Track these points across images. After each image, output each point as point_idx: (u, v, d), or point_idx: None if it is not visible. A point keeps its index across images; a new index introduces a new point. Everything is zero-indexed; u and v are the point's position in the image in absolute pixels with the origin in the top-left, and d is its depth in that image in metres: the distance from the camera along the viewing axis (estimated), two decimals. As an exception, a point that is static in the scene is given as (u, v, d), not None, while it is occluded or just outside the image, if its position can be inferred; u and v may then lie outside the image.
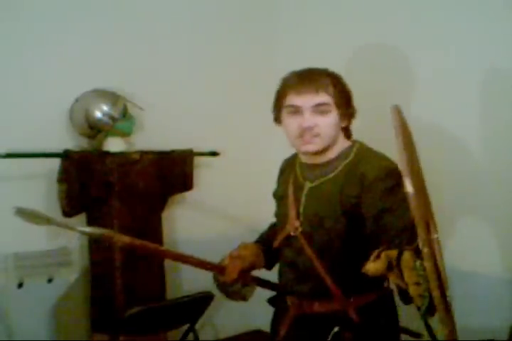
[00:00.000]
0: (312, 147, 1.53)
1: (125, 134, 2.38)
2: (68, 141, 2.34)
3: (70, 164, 2.23)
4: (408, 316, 1.59)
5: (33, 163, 2.23)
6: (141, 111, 2.41)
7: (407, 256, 1.20)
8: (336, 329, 1.48)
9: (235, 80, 2.74)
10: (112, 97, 2.32)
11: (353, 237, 1.50)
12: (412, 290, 1.18)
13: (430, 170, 1.42)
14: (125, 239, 1.47)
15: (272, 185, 1.80)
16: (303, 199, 1.59)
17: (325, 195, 1.54)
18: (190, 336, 2.25)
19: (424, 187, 1.30)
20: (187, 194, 2.62)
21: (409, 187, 1.06)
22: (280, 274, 1.69)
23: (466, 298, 1.88)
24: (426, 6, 2.20)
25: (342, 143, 1.60)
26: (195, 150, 2.58)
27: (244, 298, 1.66)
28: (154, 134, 2.50)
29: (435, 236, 1.22)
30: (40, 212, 1.51)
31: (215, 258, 1.66)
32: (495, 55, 1.99)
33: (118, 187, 2.31)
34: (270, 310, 1.76)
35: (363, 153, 1.56)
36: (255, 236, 1.84)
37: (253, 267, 1.65)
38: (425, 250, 1.07)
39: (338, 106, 1.53)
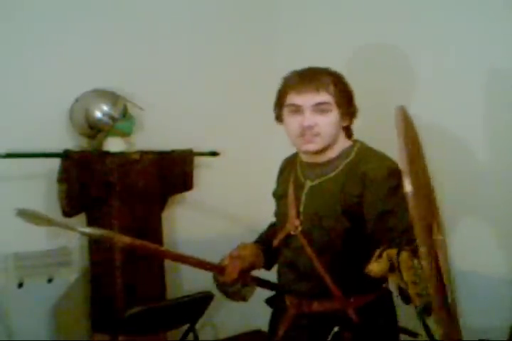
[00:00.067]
0: (313, 146, 1.54)
1: (125, 134, 2.38)
2: (68, 141, 2.34)
3: (70, 164, 2.23)
4: (407, 316, 1.59)
5: (33, 163, 2.23)
6: (141, 111, 2.41)
7: (404, 255, 1.21)
8: (335, 329, 1.49)
9: (235, 80, 2.74)
10: (112, 97, 2.32)
11: (353, 237, 1.50)
12: (410, 289, 1.19)
13: (430, 170, 1.42)
14: (125, 239, 1.47)
15: (272, 184, 1.80)
16: (303, 198, 1.59)
17: (325, 194, 1.54)
18: (190, 336, 2.25)
19: (428, 187, 1.29)
20: (187, 194, 2.62)
21: (408, 186, 1.06)
22: (279, 274, 1.69)
23: (466, 298, 1.88)
24: (426, 5, 2.20)
25: (343, 143, 1.60)
26: (195, 150, 2.58)
27: (244, 298, 1.66)
28: (154, 134, 2.50)
29: (439, 237, 1.21)
30: (41, 213, 1.52)
31: (215, 258, 1.66)
32: (495, 54, 1.99)
33: (118, 187, 2.31)
34: (270, 310, 1.76)
35: (364, 152, 1.56)
36: (255, 236, 1.84)
37: (253, 267, 1.65)
38: (422, 249, 1.07)
39: (339, 105, 1.53)
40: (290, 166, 1.71)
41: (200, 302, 2.18)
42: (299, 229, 1.57)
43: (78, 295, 2.38)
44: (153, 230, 2.41)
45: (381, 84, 2.31)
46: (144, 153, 2.41)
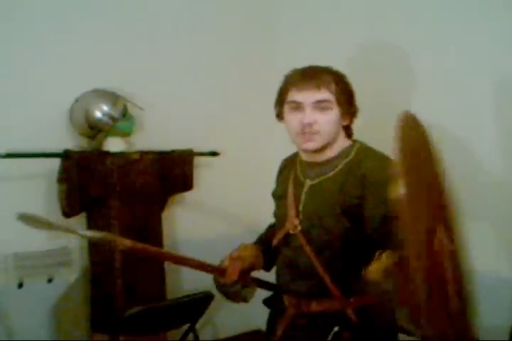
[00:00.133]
0: (312, 144, 1.54)
1: (125, 134, 2.38)
2: (68, 141, 2.34)
3: (70, 164, 2.23)
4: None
5: (33, 163, 2.24)
6: (141, 111, 2.41)
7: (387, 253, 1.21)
8: (335, 329, 1.48)
9: (234, 80, 2.75)
10: (112, 97, 2.32)
11: (352, 236, 1.49)
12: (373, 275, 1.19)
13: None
14: (126, 242, 1.46)
15: (271, 184, 1.80)
16: (303, 197, 1.59)
17: (325, 194, 1.54)
18: (190, 336, 2.25)
19: (433, 191, 1.26)
20: (187, 194, 2.62)
21: (401, 189, 1.06)
22: (278, 274, 1.69)
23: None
24: (426, 5, 2.20)
25: (342, 142, 1.60)
26: (195, 150, 2.58)
27: (244, 300, 1.66)
28: (154, 134, 2.50)
29: (449, 246, 1.19)
30: (42, 217, 1.51)
31: (215, 258, 1.66)
32: (495, 54, 1.99)
33: (118, 187, 2.31)
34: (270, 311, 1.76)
35: (364, 152, 1.56)
36: (255, 236, 1.84)
37: (253, 268, 1.65)
38: (408, 252, 1.07)
39: (340, 103, 1.53)
40: (290, 166, 1.71)
41: (200, 302, 2.18)
42: (298, 228, 1.57)
43: (78, 295, 2.38)
44: (153, 230, 2.42)
45: (381, 84, 2.31)
46: (143, 153, 2.41)
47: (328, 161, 1.58)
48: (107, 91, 2.33)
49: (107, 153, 2.33)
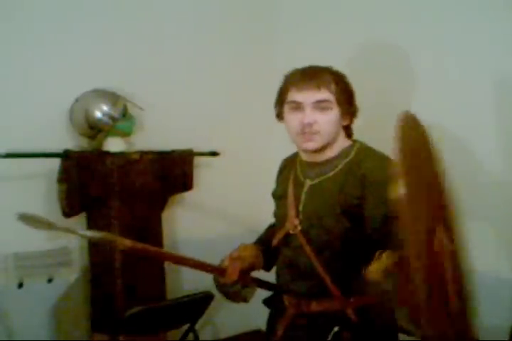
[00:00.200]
0: (312, 144, 1.54)
1: (125, 134, 2.38)
2: (68, 141, 2.34)
3: (70, 164, 2.23)
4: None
5: (33, 163, 2.23)
6: (141, 111, 2.41)
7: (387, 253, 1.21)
8: (335, 329, 1.48)
9: (235, 80, 2.75)
10: (112, 97, 2.32)
11: (352, 236, 1.49)
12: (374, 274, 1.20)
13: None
14: (127, 242, 1.46)
15: (271, 184, 1.80)
16: (303, 197, 1.59)
17: (325, 194, 1.54)
18: (190, 336, 2.25)
19: (433, 191, 1.26)
20: (187, 194, 2.62)
21: (401, 189, 1.06)
22: (278, 274, 1.69)
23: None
24: (426, 5, 2.20)
25: (342, 142, 1.60)
26: (195, 150, 2.58)
27: (244, 300, 1.66)
28: (154, 134, 2.50)
29: (449, 246, 1.19)
30: (42, 217, 1.51)
31: (215, 258, 1.66)
32: (495, 54, 1.99)
33: (118, 187, 2.31)
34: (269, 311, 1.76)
35: (364, 152, 1.56)
36: (255, 236, 1.84)
37: (253, 268, 1.65)
38: (406, 252, 1.07)
39: (340, 103, 1.53)
40: (290, 166, 1.71)
41: (200, 302, 2.18)
42: (298, 228, 1.57)
43: (78, 295, 2.38)
44: (153, 230, 2.42)
45: (381, 84, 2.31)
46: (143, 153, 2.41)
47: (328, 161, 1.58)
48: (107, 91, 2.33)
49: (107, 153, 2.33)
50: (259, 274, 1.71)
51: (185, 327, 2.24)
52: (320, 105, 1.51)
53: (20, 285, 2.16)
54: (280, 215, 1.67)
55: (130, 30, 2.46)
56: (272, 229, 1.76)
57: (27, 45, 2.24)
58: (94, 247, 2.31)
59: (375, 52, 2.38)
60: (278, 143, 1.95)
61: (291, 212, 1.59)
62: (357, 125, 1.66)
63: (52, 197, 2.26)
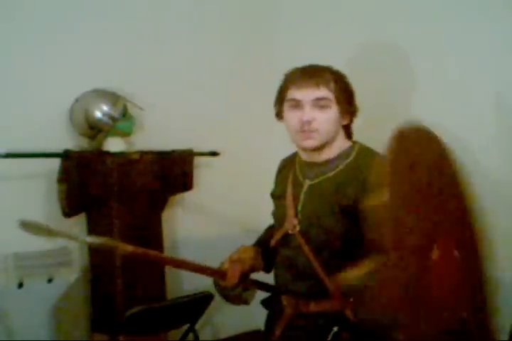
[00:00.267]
0: (311, 142, 1.54)
1: (125, 134, 2.39)
2: (68, 141, 2.34)
3: (70, 164, 2.23)
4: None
5: (33, 163, 2.23)
6: (141, 111, 2.41)
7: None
8: (335, 329, 1.48)
9: (235, 80, 2.75)
10: (112, 97, 2.32)
11: (351, 236, 1.49)
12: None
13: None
14: (128, 247, 1.46)
15: (272, 185, 1.80)
16: (302, 197, 1.59)
17: (324, 194, 1.54)
18: (190, 336, 2.25)
19: (436, 202, 1.24)
20: (187, 194, 2.62)
21: (384, 198, 1.06)
22: (276, 274, 1.68)
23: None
24: (426, 5, 2.20)
25: (342, 142, 1.60)
26: (195, 150, 2.58)
27: (245, 302, 1.65)
28: (154, 134, 2.50)
29: (433, 254, 1.19)
30: (42, 224, 1.51)
31: (215, 258, 1.66)
32: (495, 54, 1.99)
33: (118, 187, 2.31)
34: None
35: (365, 153, 1.56)
36: (255, 237, 1.84)
37: (253, 270, 1.65)
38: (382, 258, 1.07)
39: (339, 102, 1.53)
40: (289, 166, 1.71)
41: (200, 302, 2.18)
42: (297, 228, 1.57)
43: (78, 295, 2.38)
44: (153, 230, 2.42)
45: (381, 84, 2.31)
46: (143, 153, 2.41)
47: (328, 161, 1.58)
48: (107, 91, 2.33)
49: (107, 153, 2.33)
50: (258, 275, 1.71)
51: (185, 327, 2.24)
52: (319, 103, 1.52)
53: (20, 285, 2.16)
54: (279, 215, 1.67)
55: (130, 30, 2.46)
56: (271, 230, 1.76)
57: (27, 45, 2.23)
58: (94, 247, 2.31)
59: (375, 52, 2.38)
60: (278, 143, 1.94)
61: (290, 212, 1.59)
62: (357, 125, 1.67)
63: (52, 197, 2.26)
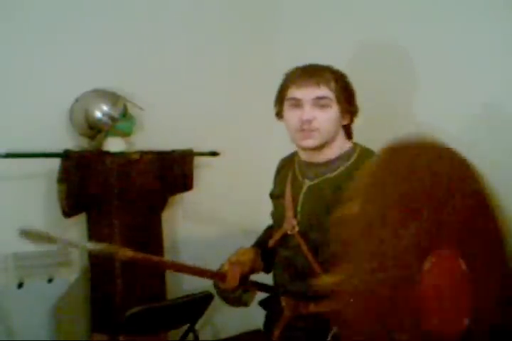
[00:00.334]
0: (312, 142, 1.53)
1: (125, 134, 2.38)
2: (68, 141, 2.34)
3: (70, 164, 2.23)
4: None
5: (33, 163, 2.23)
6: (141, 111, 2.41)
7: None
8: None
9: (235, 80, 2.74)
10: (112, 97, 2.32)
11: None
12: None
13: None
14: (128, 253, 1.45)
15: (271, 185, 1.80)
16: (301, 197, 1.59)
17: (323, 195, 1.54)
18: (190, 336, 2.25)
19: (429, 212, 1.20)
20: (187, 194, 2.62)
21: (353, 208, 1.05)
22: (275, 274, 1.68)
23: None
24: (427, 4, 2.20)
25: (342, 143, 1.60)
26: (195, 150, 2.58)
27: (245, 304, 1.64)
28: (154, 134, 2.50)
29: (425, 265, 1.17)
30: (43, 231, 1.51)
31: (215, 258, 1.66)
32: (495, 54, 1.99)
33: (118, 187, 2.31)
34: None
35: (366, 155, 1.55)
36: (255, 237, 1.84)
37: (252, 272, 1.64)
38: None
39: (339, 101, 1.53)
40: (288, 166, 1.71)
41: (200, 302, 2.18)
42: (296, 229, 1.57)
43: (78, 295, 2.38)
44: (153, 230, 2.42)
45: (382, 84, 2.31)
46: (143, 153, 2.40)
47: (328, 162, 1.57)
48: (107, 91, 2.33)
49: (107, 153, 2.33)
50: (258, 275, 1.71)
51: (185, 327, 2.24)
52: (319, 102, 1.51)
53: (20, 285, 2.16)
54: (278, 216, 1.67)
55: (130, 30, 2.45)
56: (270, 230, 1.76)
57: (27, 45, 2.23)
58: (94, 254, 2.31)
59: (376, 52, 2.38)
60: (278, 143, 1.95)
61: (289, 213, 1.59)
62: (357, 125, 1.66)
63: (52, 197, 2.26)
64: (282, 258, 1.64)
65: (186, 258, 2.61)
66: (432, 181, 1.20)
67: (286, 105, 1.58)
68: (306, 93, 1.52)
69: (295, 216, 1.58)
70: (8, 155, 2.14)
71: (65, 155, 2.23)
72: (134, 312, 2.01)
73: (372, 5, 2.40)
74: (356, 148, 1.59)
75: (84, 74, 2.33)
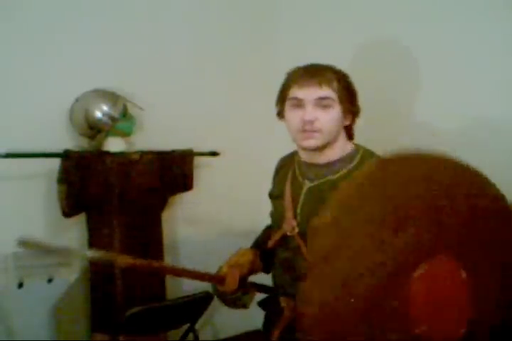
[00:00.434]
0: (314, 142, 1.52)
1: (125, 134, 2.38)
2: (68, 141, 2.34)
3: (70, 164, 2.23)
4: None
5: (33, 163, 2.23)
6: (141, 111, 2.41)
7: None
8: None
9: (235, 80, 2.74)
10: (112, 97, 2.32)
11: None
12: None
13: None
14: (128, 260, 1.45)
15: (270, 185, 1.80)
16: (301, 198, 1.58)
17: (324, 196, 1.52)
18: (190, 336, 2.25)
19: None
20: (186, 194, 2.62)
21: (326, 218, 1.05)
22: (274, 275, 1.68)
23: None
24: (427, 4, 2.20)
25: (344, 144, 1.59)
26: (195, 150, 2.58)
27: (244, 306, 1.64)
28: (154, 134, 2.50)
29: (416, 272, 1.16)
30: (41, 241, 1.51)
31: (214, 258, 1.66)
32: (495, 54, 1.99)
33: (118, 187, 2.31)
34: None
35: (369, 158, 1.54)
36: (255, 237, 1.84)
37: (251, 273, 1.64)
38: None
39: (341, 102, 1.52)
40: (287, 166, 1.70)
41: (200, 302, 2.18)
42: (296, 230, 1.56)
43: (78, 295, 2.37)
44: (153, 230, 2.42)
45: (382, 84, 2.31)
46: (143, 153, 2.40)
47: (330, 163, 1.56)
48: (107, 91, 2.33)
49: (107, 153, 2.33)
50: (257, 275, 1.70)
51: (185, 327, 2.24)
52: (321, 102, 1.50)
53: (20, 285, 2.16)
54: (277, 216, 1.66)
55: (130, 30, 2.45)
56: (269, 231, 1.75)
57: (27, 45, 2.23)
58: (94, 247, 2.31)
59: (376, 52, 2.38)
60: (278, 143, 1.94)
61: (289, 214, 1.58)
62: (358, 125, 1.66)
63: (52, 197, 2.26)
64: (282, 260, 1.63)
65: (186, 258, 2.62)
66: (430, 190, 1.19)
67: (288, 105, 1.56)
68: (308, 93, 1.50)
69: (295, 217, 1.57)
70: (8, 155, 2.14)
71: (65, 155, 2.23)
72: (134, 312, 2.01)
73: (372, 5, 2.40)
74: (359, 150, 1.58)
75: (84, 74, 2.33)
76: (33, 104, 2.25)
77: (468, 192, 1.24)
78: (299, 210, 1.58)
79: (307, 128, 1.51)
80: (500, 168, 2.03)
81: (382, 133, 2.10)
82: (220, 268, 1.60)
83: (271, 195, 1.75)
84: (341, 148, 1.58)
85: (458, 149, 2.14)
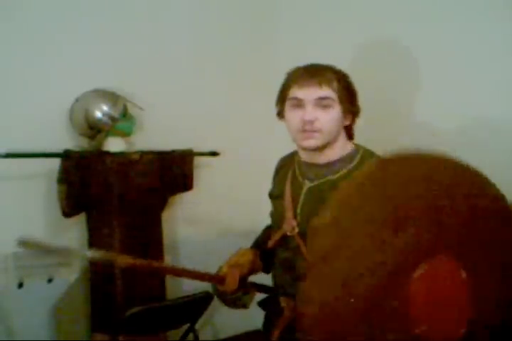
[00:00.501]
0: (314, 142, 1.52)
1: (125, 134, 2.38)
2: (68, 141, 2.34)
3: (70, 164, 2.23)
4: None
5: (33, 163, 2.23)
6: (141, 111, 2.41)
7: None
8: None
9: (235, 80, 2.74)
10: (112, 97, 2.32)
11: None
12: None
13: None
14: (128, 260, 1.45)
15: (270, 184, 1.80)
16: (301, 198, 1.58)
17: (324, 196, 1.52)
18: (190, 336, 2.25)
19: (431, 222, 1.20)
20: (186, 194, 2.62)
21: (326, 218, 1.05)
22: (275, 275, 1.68)
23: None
24: (428, 4, 2.20)
25: (344, 144, 1.58)
26: (195, 150, 2.58)
27: (244, 306, 1.64)
28: (154, 134, 2.50)
29: (416, 272, 1.17)
30: (41, 241, 1.51)
31: (214, 258, 1.66)
32: (495, 54, 1.99)
33: (118, 187, 2.31)
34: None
35: (369, 158, 1.54)
36: (255, 237, 1.83)
37: (251, 273, 1.64)
38: None
39: (342, 102, 1.52)
40: (287, 166, 1.70)
41: (200, 302, 2.18)
42: (296, 230, 1.56)
43: (78, 295, 2.37)
44: (153, 230, 2.41)
45: (383, 84, 2.31)
46: (144, 153, 2.40)
47: (330, 164, 1.56)
48: (107, 91, 2.33)
49: (107, 153, 2.33)
50: (257, 276, 1.70)
51: (185, 327, 2.24)
52: (321, 102, 1.50)
53: (20, 285, 2.16)
54: (277, 216, 1.66)
55: (130, 30, 2.45)
56: (269, 230, 1.75)
57: (27, 45, 2.23)
58: (94, 247, 2.31)
59: (376, 52, 2.38)
60: (278, 143, 1.94)
61: (289, 214, 1.58)
62: (357, 125, 1.66)
63: (52, 197, 2.26)
64: (282, 260, 1.63)
65: (186, 258, 2.62)
66: (430, 190, 1.19)
67: (288, 105, 1.56)
68: (308, 93, 1.50)
69: (295, 217, 1.57)
70: (8, 155, 2.14)
71: (65, 155, 2.23)
72: (134, 312, 2.01)
73: (372, 5, 2.40)
74: (359, 150, 1.58)
75: (84, 74, 2.33)
76: (33, 104, 2.25)
77: (468, 192, 1.24)
78: (299, 210, 1.58)
79: (307, 128, 1.51)
80: (500, 168, 2.03)
81: (382, 133, 2.10)
82: (220, 268, 1.60)
83: (271, 195, 1.75)
84: (341, 148, 1.58)
85: (458, 149, 2.14)
